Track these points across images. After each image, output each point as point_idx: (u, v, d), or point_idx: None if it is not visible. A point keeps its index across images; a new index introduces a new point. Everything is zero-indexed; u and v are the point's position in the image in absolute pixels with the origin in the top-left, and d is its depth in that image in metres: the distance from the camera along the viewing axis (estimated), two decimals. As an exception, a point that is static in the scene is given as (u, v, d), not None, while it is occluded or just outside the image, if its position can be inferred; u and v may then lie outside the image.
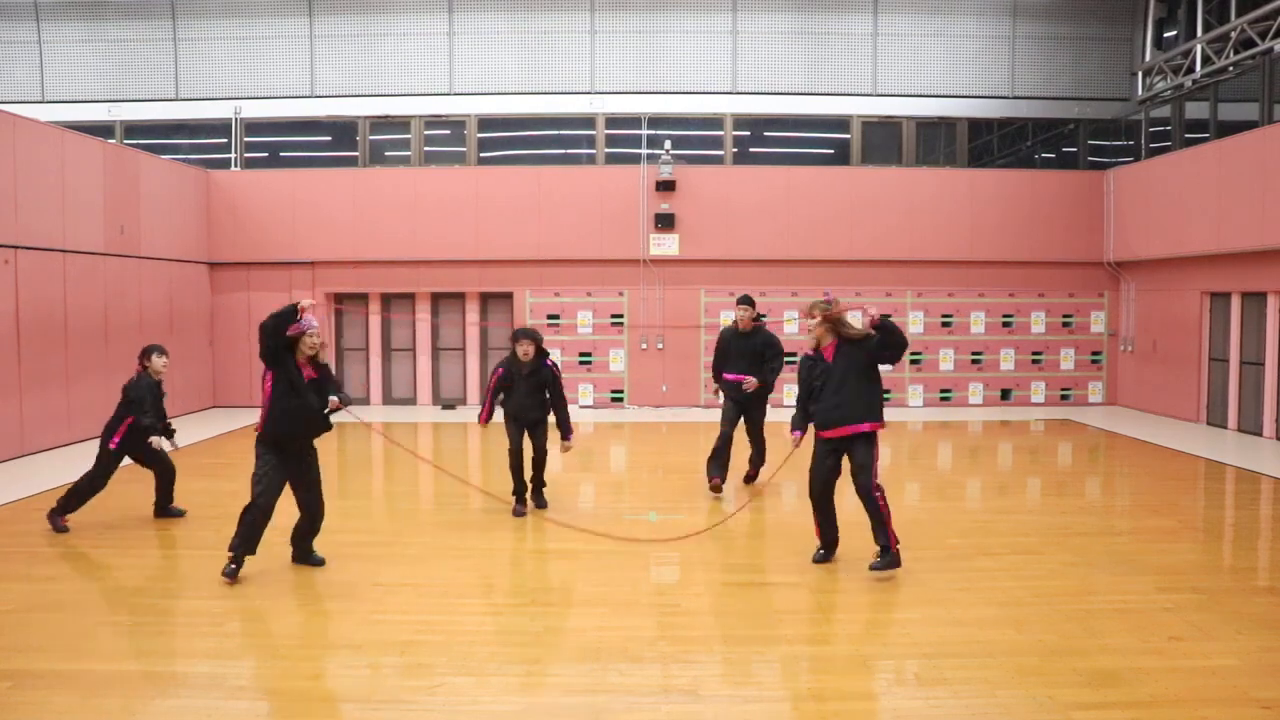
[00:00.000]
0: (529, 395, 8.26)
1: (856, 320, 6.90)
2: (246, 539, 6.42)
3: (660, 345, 16.12)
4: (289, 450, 6.50)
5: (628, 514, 8.52)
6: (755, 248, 16.16)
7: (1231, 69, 14.22)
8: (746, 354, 9.01)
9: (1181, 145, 15.45)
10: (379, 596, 6.26)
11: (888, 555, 6.51)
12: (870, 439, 6.49)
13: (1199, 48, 14.75)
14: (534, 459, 8.51)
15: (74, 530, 7.87)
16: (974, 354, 16.50)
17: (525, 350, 8.20)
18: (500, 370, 8.33)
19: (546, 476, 8.73)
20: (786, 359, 9.32)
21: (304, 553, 6.85)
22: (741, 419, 9.19)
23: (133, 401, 7.78)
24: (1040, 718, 4.41)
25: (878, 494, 6.45)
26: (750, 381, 8.88)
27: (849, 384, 6.47)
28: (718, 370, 9.25)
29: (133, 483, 9.91)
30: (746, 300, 9.13)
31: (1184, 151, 14.73)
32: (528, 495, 8.56)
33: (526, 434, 8.40)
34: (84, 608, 5.90)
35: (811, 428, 6.72)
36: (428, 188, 16.27)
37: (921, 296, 16.43)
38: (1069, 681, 4.78)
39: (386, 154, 17.33)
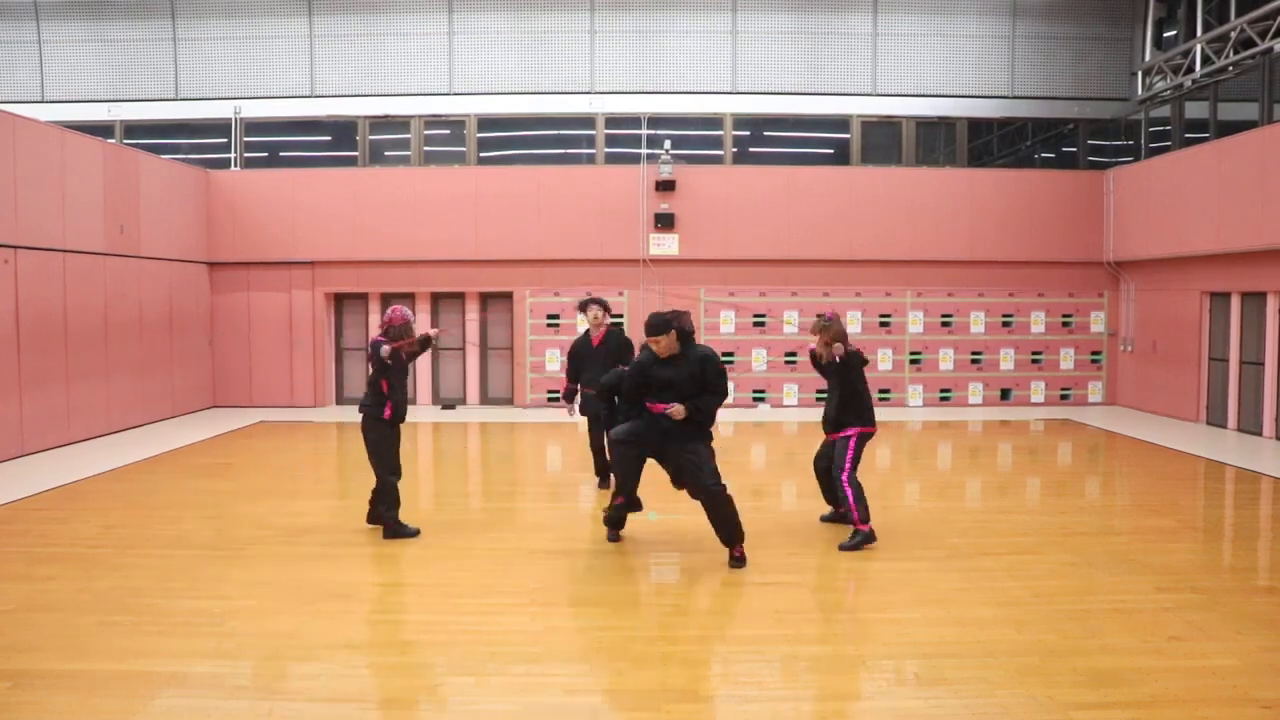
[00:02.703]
0: (603, 369, 8.57)
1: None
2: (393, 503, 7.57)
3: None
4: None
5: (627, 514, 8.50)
6: (755, 248, 16.16)
7: (1231, 69, 14.22)
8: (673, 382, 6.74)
9: (1181, 145, 15.46)
10: (379, 596, 6.26)
11: (857, 535, 7.33)
12: (843, 442, 7.53)
13: (1199, 47, 14.75)
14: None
15: (73, 530, 7.88)
16: (974, 354, 16.50)
17: (596, 316, 9.00)
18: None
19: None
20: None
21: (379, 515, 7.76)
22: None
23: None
24: (1040, 718, 4.41)
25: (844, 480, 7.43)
26: (676, 409, 6.62)
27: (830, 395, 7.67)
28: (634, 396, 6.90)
29: (132, 482, 9.92)
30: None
31: (1184, 151, 14.74)
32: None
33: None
34: (84, 608, 5.90)
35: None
36: (428, 188, 16.27)
37: (921, 296, 16.43)
38: (1069, 681, 4.78)
39: (386, 154, 17.33)
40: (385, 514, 7.58)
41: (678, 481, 6.97)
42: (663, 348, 6.64)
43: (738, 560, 6.77)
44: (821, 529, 7.86)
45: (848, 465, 7.38)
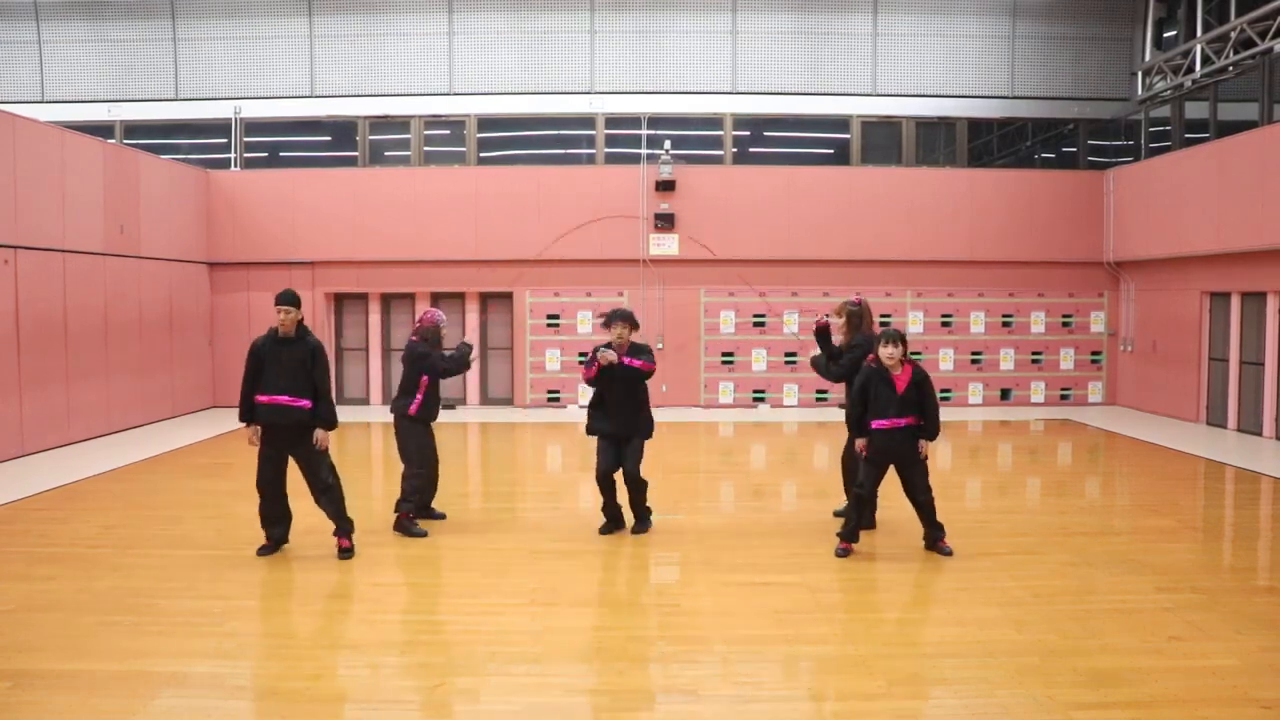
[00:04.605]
0: (625, 396, 7.44)
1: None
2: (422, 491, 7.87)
3: (660, 345, 16.11)
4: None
5: (627, 514, 8.50)
6: (755, 248, 16.16)
7: (1231, 69, 14.22)
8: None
9: (1181, 145, 15.45)
10: (379, 596, 6.26)
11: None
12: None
13: (1199, 48, 14.75)
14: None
15: (73, 530, 7.88)
16: (974, 354, 16.50)
17: (621, 335, 7.38)
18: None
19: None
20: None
21: (409, 518, 7.76)
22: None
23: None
24: (1040, 718, 4.41)
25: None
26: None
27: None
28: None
29: (132, 482, 9.92)
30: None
31: (1184, 151, 14.73)
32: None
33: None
34: (84, 608, 5.90)
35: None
36: (428, 188, 16.27)
37: (921, 296, 16.43)
38: (1069, 681, 4.78)
39: (386, 154, 17.33)
40: (402, 504, 7.72)
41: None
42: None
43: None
44: (821, 528, 7.83)
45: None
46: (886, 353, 6.79)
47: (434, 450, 7.92)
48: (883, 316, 16.19)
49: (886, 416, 6.81)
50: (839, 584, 6.45)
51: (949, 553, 7.01)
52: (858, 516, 7.08)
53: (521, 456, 12.34)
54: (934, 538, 7.09)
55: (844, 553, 7.01)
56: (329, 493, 6.94)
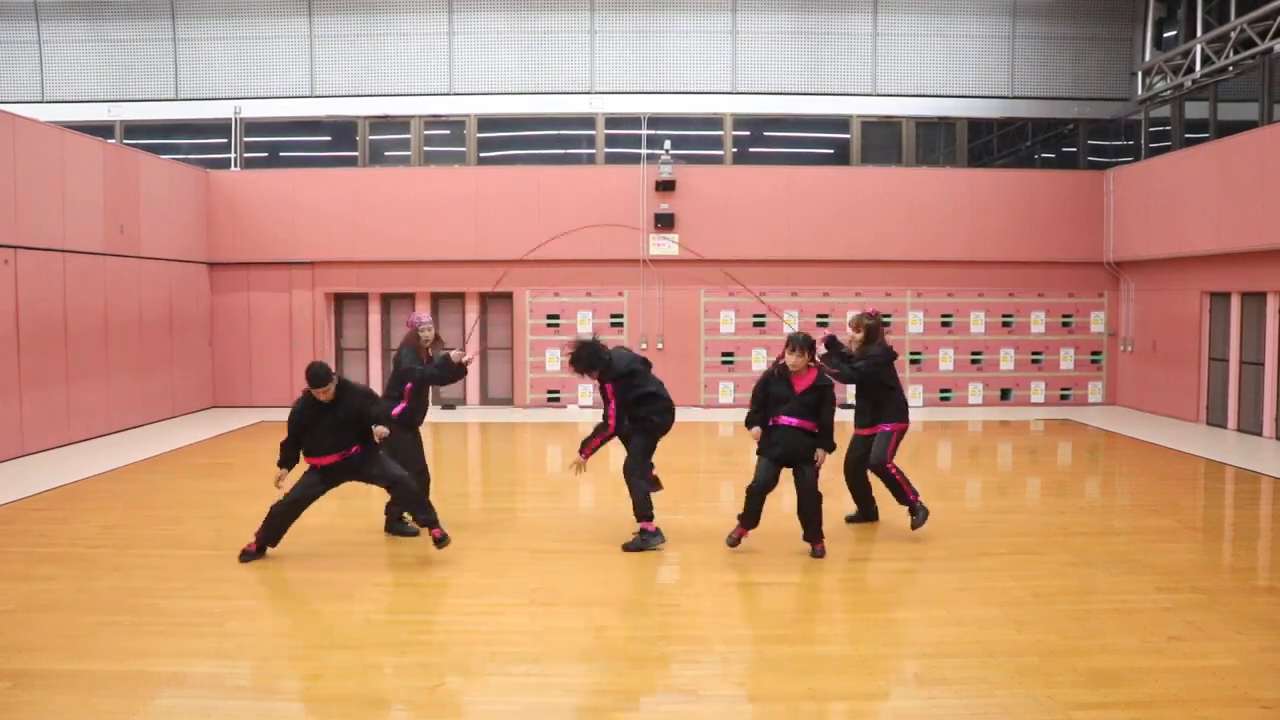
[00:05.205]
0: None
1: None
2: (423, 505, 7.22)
3: (660, 345, 16.12)
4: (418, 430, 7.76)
5: (627, 514, 8.50)
6: (755, 248, 16.16)
7: (1231, 69, 14.22)
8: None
9: (1181, 145, 15.45)
10: (379, 596, 6.26)
11: (919, 511, 7.45)
12: (883, 436, 7.63)
13: (1199, 48, 14.75)
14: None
15: (73, 530, 7.88)
16: (974, 354, 16.49)
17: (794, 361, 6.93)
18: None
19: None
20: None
21: (399, 520, 7.70)
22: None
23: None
24: (1040, 718, 4.41)
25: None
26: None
27: None
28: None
29: (132, 482, 9.91)
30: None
31: (1184, 151, 14.73)
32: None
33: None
34: (84, 608, 5.90)
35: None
36: (428, 188, 16.27)
37: (921, 296, 16.43)
38: (1069, 681, 4.78)
39: (386, 154, 17.33)
40: (390, 507, 7.67)
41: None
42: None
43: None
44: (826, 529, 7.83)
45: (888, 455, 7.47)
46: (791, 360, 6.85)
47: (422, 454, 7.82)
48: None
49: (780, 414, 6.86)
50: (839, 584, 6.45)
51: (821, 555, 6.95)
52: (747, 508, 7.01)
53: (521, 456, 12.34)
54: (810, 537, 7.02)
55: (735, 540, 7.07)
56: (401, 482, 6.90)
